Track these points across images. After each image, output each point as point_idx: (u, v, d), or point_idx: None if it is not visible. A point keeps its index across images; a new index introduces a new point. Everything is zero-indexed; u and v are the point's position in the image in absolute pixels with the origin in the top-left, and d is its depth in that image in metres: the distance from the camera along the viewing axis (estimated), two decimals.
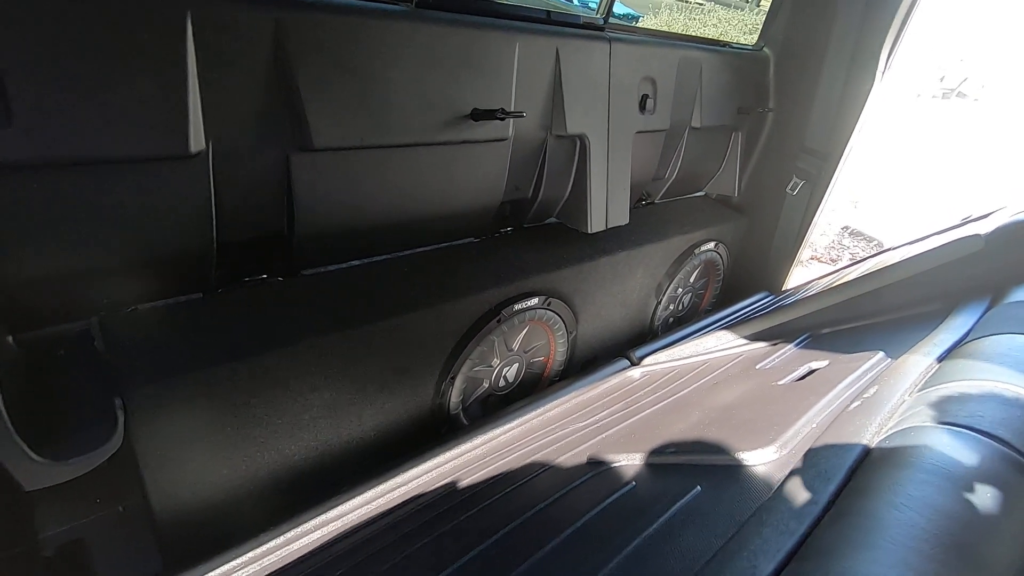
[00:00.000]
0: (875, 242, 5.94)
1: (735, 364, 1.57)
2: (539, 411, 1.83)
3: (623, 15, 8.35)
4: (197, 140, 1.21)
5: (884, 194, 7.05)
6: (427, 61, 1.54)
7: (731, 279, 2.97)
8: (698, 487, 0.80)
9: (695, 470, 0.87)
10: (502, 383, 2.06)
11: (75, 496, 1.48)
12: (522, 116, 1.72)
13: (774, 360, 1.39)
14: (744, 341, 1.83)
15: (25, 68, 1.01)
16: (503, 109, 1.68)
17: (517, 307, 1.86)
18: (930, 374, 0.87)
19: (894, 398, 0.79)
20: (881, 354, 1.07)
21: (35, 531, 1.35)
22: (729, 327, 1.96)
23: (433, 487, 1.49)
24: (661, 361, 2.09)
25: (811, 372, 1.18)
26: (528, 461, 1.34)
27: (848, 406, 0.83)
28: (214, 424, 1.36)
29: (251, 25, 1.24)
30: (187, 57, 1.16)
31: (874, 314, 1.48)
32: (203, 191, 1.29)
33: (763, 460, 0.81)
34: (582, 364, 2.39)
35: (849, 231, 6.12)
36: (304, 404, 1.51)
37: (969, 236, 1.31)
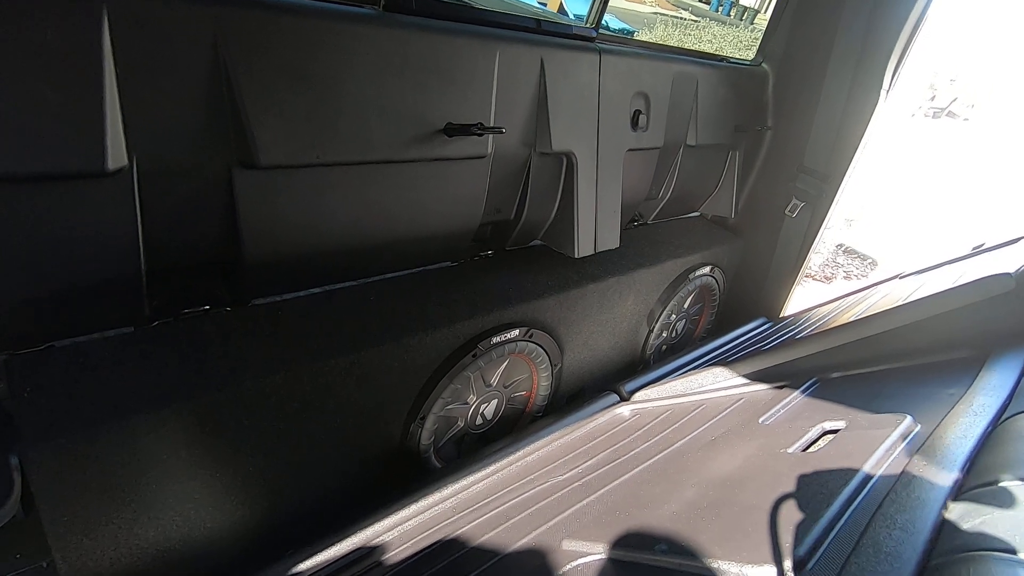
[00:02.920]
0: (869, 260, 5.86)
1: (734, 411, 1.40)
2: (519, 455, 1.66)
3: (618, 30, 8.28)
4: (116, 155, 1.04)
5: (879, 212, 6.98)
6: (395, 70, 1.39)
7: (727, 304, 2.83)
8: None
9: None
10: (479, 421, 1.89)
11: None
12: (501, 132, 1.56)
13: (779, 412, 1.23)
14: (743, 380, 1.67)
15: None
16: (481, 124, 1.52)
17: (496, 340, 1.69)
18: (977, 458, 0.71)
19: (939, 495, 0.63)
20: (909, 419, 0.92)
21: None
22: (727, 363, 1.79)
23: (396, 549, 1.31)
24: (652, 398, 1.92)
25: (825, 434, 1.02)
26: (501, 528, 1.16)
27: (879, 505, 0.67)
28: (137, 482, 1.17)
29: (184, 23, 1.08)
30: (103, 59, 0.99)
31: (890, 358, 1.33)
32: (126, 213, 1.12)
33: None
34: (568, 397, 2.22)
35: (843, 249, 6.03)
36: (248, 452, 1.33)
37: (998, 275, 1.16)
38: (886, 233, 6.45)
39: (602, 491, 1.15)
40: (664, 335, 2.54)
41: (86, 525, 1.14)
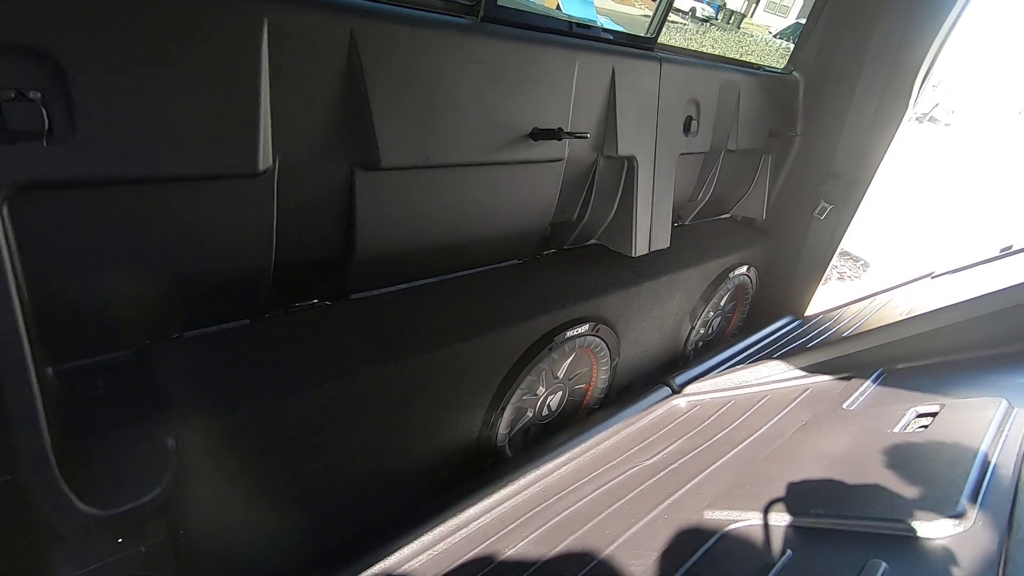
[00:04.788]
0: (861, 262, 6.03)
1: (807, 399, 1.51)
2: (587, 445, 1.75)
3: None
4: (265, 157, 1.11)
5: (867, 215, 7.15)
6: (490, 77, 1.47)
7: (756, 302, 2.94)
8: (883, 564, 0.72)
9: (862, 540, 0.79)
10: (545, 412, 1.97)
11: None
12: (585, 137, 1.65)
13: (858, 398, 1.34)
14: (801, 373, 1.77)
15: (91, 75, 0.90)
16: (562, 129, 1.61)
17: (568, 334, 1.78)
18: None
19: None
20: (1005, 403, 1.02)
21: None
22: (781, 357, 1.90)
23: (500, 532, 1.38)
24: (706, 391, 2.02)
25: (919, 417, 1.12)
26: (621, 503, 1.24)
27: (1021, 464, 0.77)
28: (258, 463, 1.24)
29: (327, 33, 1.15)
30: (261, 67, 1.06)
31: (950, 351, 1.44)
32: (267, 211, 1.19)
33: (944, 533, 0.74)
34: (619, 391, 2.31)
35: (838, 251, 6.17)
36: (353, 439, 1.40)
37: None
38: (875, 235, 6.63)
39: (713, 468, 1.24)
40: (702, 331, 2.64)
41: (213, 505, 1.20)
